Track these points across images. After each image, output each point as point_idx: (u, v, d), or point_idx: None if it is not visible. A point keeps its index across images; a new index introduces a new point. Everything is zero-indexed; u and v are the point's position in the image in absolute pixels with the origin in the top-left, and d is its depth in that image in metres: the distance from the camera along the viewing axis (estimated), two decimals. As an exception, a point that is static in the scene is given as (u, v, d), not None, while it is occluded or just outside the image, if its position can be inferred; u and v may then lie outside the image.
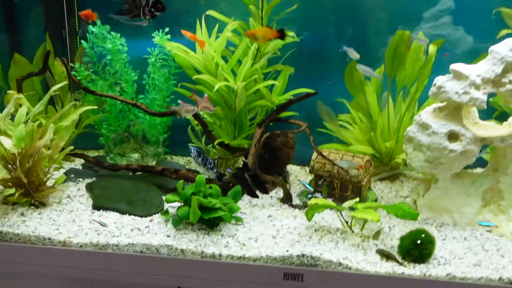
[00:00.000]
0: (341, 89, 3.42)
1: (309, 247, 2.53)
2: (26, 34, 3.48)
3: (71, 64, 3.22)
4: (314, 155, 3.11)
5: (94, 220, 2.67)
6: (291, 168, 3.65)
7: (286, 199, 3.05)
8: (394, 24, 3.40)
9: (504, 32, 3.22)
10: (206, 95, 2.92)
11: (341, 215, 2.74)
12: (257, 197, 2.61)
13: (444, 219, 2.83)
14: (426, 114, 2.78)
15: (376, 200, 3.10)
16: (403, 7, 3.48)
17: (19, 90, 2.93)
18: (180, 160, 3.75)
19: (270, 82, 3.02)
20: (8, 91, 2.78)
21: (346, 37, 3.51)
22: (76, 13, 3.32)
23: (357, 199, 2.75)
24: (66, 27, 3.34)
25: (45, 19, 3.43)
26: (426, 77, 3.15)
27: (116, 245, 2.54)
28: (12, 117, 2.80)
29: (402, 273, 2.37)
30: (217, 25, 3.26)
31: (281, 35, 2.67)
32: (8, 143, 2.52)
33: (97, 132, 3.57)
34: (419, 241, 2.41)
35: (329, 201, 2.74)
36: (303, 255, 2.47)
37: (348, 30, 3.53)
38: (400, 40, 3.04)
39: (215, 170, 2.95)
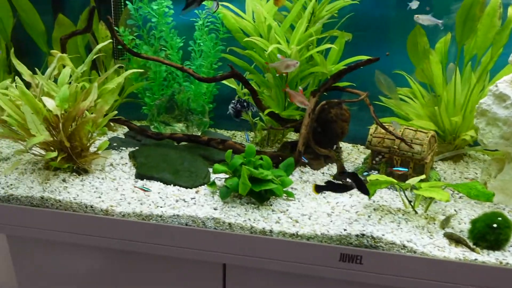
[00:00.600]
0: (400, 61, 3.13)
1: (368, 227, 2.30)
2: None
3: (115, 28, 3.06)
4: (372, 129, 2.86)
5: (136, 187, 2.53)
6: (342, 145, 3.40)
7: (340, 176, 2.81)
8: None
9: None
10: (300, 88, 2.69)
11: (404, 194, 2.48)
12: (368, 194, 2.37)
13: (519, 204, 2.53)
14: (503, 84, 2.48)
15: (439, 180, 2.82)
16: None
17: (63, 51, 2.80)
18: (225, 133, 3.57)
19: (326, 46, 2.76)
20: (52, 51, 2.65)
21: (407, 2, 3.20)
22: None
23: (423, 176, 2.49)
24: (111, -11, 3.18)
25: (89, -19, 3.29)
26: (501, 46, 2.82)
27: (160, 216, 2.38)
28: (56, 80, 2.68)
29: (475, 259, 2.11)
30: (269, -13, 3.02)
31: None
32: (51, 103, 2.39)
33: (140, 101, 3.43)
34: (495, 225, 2.13)
35: (391, 178, 2.48)
36: (363, 235, 2.25)
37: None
38: (475, 1, 2.72)
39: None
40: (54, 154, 2.47)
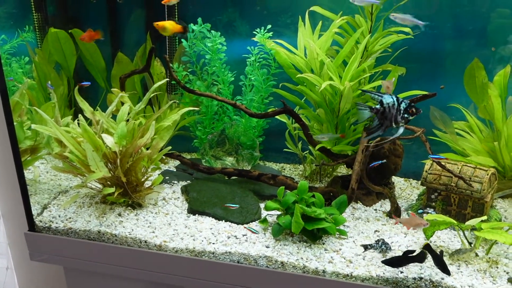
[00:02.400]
0: (455, 94, 3.05)
1: (427, 270, 2.21)
2: (127, 35, 3.50)
3: (170, 65, 3.16)
4: (427, 165, 2.78)
5: (245, 227, 2.55)
6: (394, 180, 3.32)
7: (395, 213, 2.74)
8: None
9: None
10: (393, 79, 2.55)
11: (464, 235, 2.38)
12: (449, 274, 2.16)
13: None
14: None
15: (500, 220, 2.69)
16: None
17: (122, 89, 2.92)
18: (274, 166, 3.57)
19: (379, 82, 2.73)
20: (112, 89, 2.77)
21: (464, 35, 3.13)
22: (176, 14, 3.27)
23: (484, 217, 2.38)
24: (166, 28, 3.29)
25: (145, 20, 3.43)
26: None
27: (213, 253, 2.39)
28: (113, 117, 2.78)
29: (544, 308, 1.98)
30: (320, 22, 3.04)
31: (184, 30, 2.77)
32: (110, 140, 2.48)
33: (191, 134, 3.50)
34: None
35: (450, 218, 2.39)
36: (421, 278, 2.16)
37: (466, 27, 3.15)
38: (538, 35, 2.62)
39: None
40: (112, 190, 2.55)
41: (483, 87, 2.87)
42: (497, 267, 2.25)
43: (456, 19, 3.10)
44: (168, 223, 2.64)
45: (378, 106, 2.25)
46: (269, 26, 3.06)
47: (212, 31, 3.13)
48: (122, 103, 2.75)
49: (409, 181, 3.36)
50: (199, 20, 3.12)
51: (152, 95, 2.72)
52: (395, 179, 3.34)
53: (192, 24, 3.12)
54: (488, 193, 2.61)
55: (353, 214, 2.80)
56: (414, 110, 2.24)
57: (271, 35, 3.07)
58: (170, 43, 3.33)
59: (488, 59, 3.04)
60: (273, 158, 3.64)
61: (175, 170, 3.33)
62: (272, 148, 3.56)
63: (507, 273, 2.22)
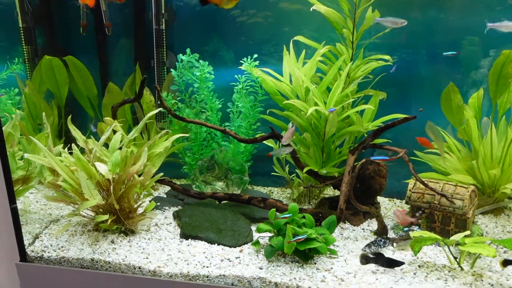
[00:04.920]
0: (433, 116, 3.20)
1: (416, 285, 2.30)
2: (116, 64, 3.59)
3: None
4: (411, 184, 2.89)
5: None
6: (379, 200, 3.43)
7: (382, 232, 2.83)
8: (488, 47, 3.19)
9: None
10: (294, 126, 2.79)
11: (449, 250, 2.48)
12: (401, 264, 2.42)
13: None
14: (542, 139, 2.51)
15: (481, 235, 2.81)
16: (494, 30, 3.27)
17: (114, 118, 2.98)
18: (262, 190, 3.65)
19: (364, 106, 2.87)
20: (105, 118, 2.83)
21: (439, 61, 3.32)
22: (164, 44, 3.38)
23: (467, 232, 2.49)
24: (155, 58, 3.39)
25: (134, 50, 3.53)
26: (534, 100, 2.88)
27: (207, 276, 2.43)
28: (105, 145, 2.83)
29: (529, 318, 2.08)
30: (303, 51, 3.18)
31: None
32: (103, 168, 2.53)
33: (181, 161, 3.56)
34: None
35: (435, 235, 2.50)
36: (409, 295, 2.24)
37: (440, 53, 3.34)
38: (507, 60, 2.81)
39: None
40: (105, 217, 2.58)
41: (459, 109, 3.03)
42: (482, 280, 2.35)
43: (431, 47, 3.29)
44: (162, 248, 2.67)
45: None
46: (255, 56, 3.20)
47: (200, 60, 3.24)
48: (114, 132, 2.81)
49: (393, 200, 3.48)
50: (188, 50, 3.23)
51: (145, 122, 2.79)
52: (380, 199, 3.46)
53: (180, 55, 3.23)
54: (470, 209, 2.73)
55: (342, 234, 2.88)
56: None
57: (257, 64, 3.20)
58: (159, 73, 3.43)
59: (462, 83, 3.22)
60: (261, 182, 3.73)
61: (165, 196, 3.37)
62: (260, 172, 3.65)
63: (492, 285, 2.31)
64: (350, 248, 2.69)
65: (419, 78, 3.33)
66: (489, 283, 2.33)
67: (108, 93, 3.31)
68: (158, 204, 3.16)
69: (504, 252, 2.64)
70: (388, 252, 2.62)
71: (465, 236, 2.46)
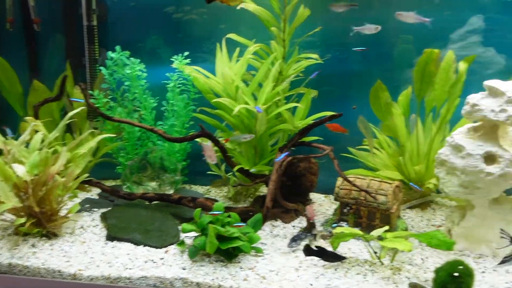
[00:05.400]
0: (366, 113, 3.26)
1: (334, 281, 2.33)
2: (47, 62, 3.49)
3: (90, 92, 3.18)
4: (339, 181, 2.93)
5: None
6: (314, 196, 3.46)
7: (309, 229, 2.85)
8: (419, 46, 3.27)
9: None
10: (209, 143, 2.81)
11: (370, 245, 2.52)
12: (343, 258, 2.49)
13: (483, 250, 2.58)
14: (459, 135, 2.59)
15: (406, 229, 2.87)
16: (427, 29, 3.34)
17: (36, 117, 2.89)
18: (200, 189, 3.62)
19: (292, 104, 2.89)
20: (26, 118, 2.74)
21: (371, 59, 3.37)
22: (96, 41, 3.30)
23: (386, 227, 2.54)
24: (86, 55, 3.31)
25: (65, 47, 3.43)
26: (456, 97, 2.96)
27: (128, 278, 2.39)
28: (29, 145, 2.75)
29: (440, 310, 2.13)
30: (237, 49, 3.17)
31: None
32: (21, 170, 2.45)
33: (115, 161, 3.49)
34: (456, 274, 2.17)
35: (356, 230, 2.54)
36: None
37: (372, 52, 3.40)
38: (429, 59, 2.88)
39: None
40: (22, 220, 2.51)
41: (387, 106, 3.09)
42: (400, 273, 2.40)
43: (364, 45, 3.33)
44: (85, 251, 2.61)
45: None
46: (186, 53, 3.16)
47: (131, 58, 3.18)
48: (38, 132, 2.73)
49: (329, 197, 3.52)
50: (117, 47, 3.16)
51: (68, 121, 2.71)
52: (315, 195, 3.48)
53: (110, 52, 3.16)
54: (393, 204, 2.79)
55: (272, 232, 2.89)
56: None
57: (189, 62, 3.17)
58: (91, 71, 3.35)
59: (394, 81, 3.28)
60: (200, 181, 3.70)
61: (97, 198, 3.30)
62: (197, 171, 3.62)
63: (409, 278, 2.37)
64: (278, 245, 2.70)
65: (353, 76, 3.38)
66: (406, 277, 2.38)
67: (33, 91, 3.21)
68: (87, 206, 3.09)
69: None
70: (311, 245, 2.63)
71: (386, 231, 2.51)
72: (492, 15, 3.21)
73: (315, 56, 3.03)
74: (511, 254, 2.38)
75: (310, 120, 3.12)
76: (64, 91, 2.85)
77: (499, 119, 2.39)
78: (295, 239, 2.65)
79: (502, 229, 2.40)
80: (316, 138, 3.16)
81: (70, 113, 2.71)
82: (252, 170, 2.93)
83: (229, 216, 2.62)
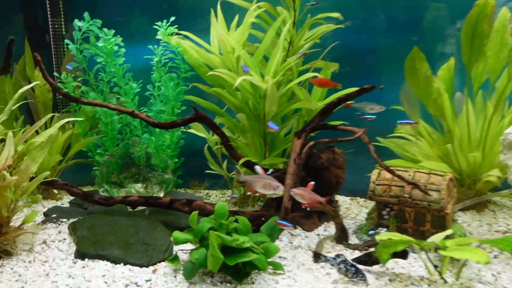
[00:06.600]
0: (396, 95, 2.63)
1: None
2: (1, 41, 2.84)
3: (55, 74, 2.54)
4: (374, 175, 2.29)
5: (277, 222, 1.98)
6: (338, 199, 2.81)
7: (341, 237, 2.20)
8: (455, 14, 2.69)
9: None
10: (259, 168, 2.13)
11: (427, 257, 1.87)
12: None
13: None
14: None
15: (465, 236, 2.23)
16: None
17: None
18: (197, 194, 2.98)
19: (310, 74, 2.25)
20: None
21: (400, 27, 2.77)
22: (62, 13, 2.68)
23: (449, 231, 1.90)
24: (50, 31, 2.68)
25: (24, 23, 2.79)
26: (516, 66, 2.35)
27: (102, 310, 1.73)
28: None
29: None
30: (236, 16, 2.56)
31: None
32: (-48, 166, 1.80)
33: (92, 161, 2.83)
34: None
35: (407, 237, 1.89)
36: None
37: (401, 18, 2.80)
38: (482, 14, 2.27)
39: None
40: (-43, 233, 1.85)
41: (427, 81, 2.48)
42: (472, 295, 1.76)
43: (390, 11, 2.75)
44: (46, 273, 1.97)
45: None
46: (172, 18, 2.53)
47: (104, 29, 2.55)
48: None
49: (355, 199, 2.88)
50: (86, 15, 2.53)
51: (15, 106, 2.05)
52: (339, 197, 2.84)
53: (77, 21, 2.52)
54: (448, 203, 2.15)
55: (291, 243, 2.24)
56: None
57: (176, 30, 2.54)
58: (57, 49, 2.72)
59: (428, 53, 2.67)
60: (197, 184, 3.05)
61: (68, 206, 2.64)
62: (194, 171, 2.97)
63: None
64: (301, 260, 2.06)
65: (379, 49, 2.78)
66: (481, 299, 1.74)
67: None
68: (54, 216, 2.45)
69: (495, 256, 2.07)
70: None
71: (446, 237, 1.87)
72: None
73: (335, 14, 2.42)
74: None
75: (331, 99, 2.47)
76: (10, 62, 2.19)
77: None
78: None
79: None
80: (341, 122, 2.52)
81: (20, 90, 2.07)
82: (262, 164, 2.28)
83: (236, 221, 1.96)
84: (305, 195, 1.93)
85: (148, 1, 2.89)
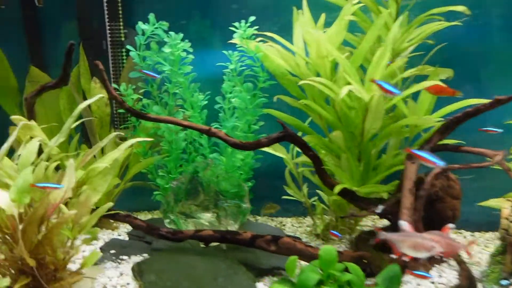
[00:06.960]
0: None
1: None
2: (55, 51, 2.54)
3: (114, 86, 2.20)
4: (506, 209, 1.83)
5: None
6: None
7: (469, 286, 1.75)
8: None
9: None
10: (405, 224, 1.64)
11: None
12: None
13: None
14: None
15: None
16: None
17: (31, 116, 1.93)
18: (269, 222, 2.57)
19: (430, 83, 1.80)
20: (13, 117, 1.76)
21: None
22: (120, 18, 2.35)
23: None
24: (107, 37, 2.36)
25: (78, 29, 2.47)
26: None
27: None
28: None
29: None
30: (322, 15, 2.16)
31: None
32: (3, 198, 1.47)
33: (151, 184, 2.47)
34: None
35: None
36: None
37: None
38: None
39: None
40: (7, 281, 1.50)
41: None
42: None
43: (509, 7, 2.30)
44: (109, 331, 1.58)
45: None
46: (252, 18, 2.15)
47: (171, 32, 2.19)
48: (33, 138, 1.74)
49: (460, 232, 2.41)
50: (151, 16, 2.18)
51: (74, 125, 1.71)
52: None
53: (140, 23, 2.18)
54: None
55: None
56: None
57: (256, 32, 2.16)
58: (115, 57, 2.39)
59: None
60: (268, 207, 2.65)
61: (127, 238, 2.28)
62: (265, 196, 2.56)
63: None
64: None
65: (493, 50, 2.32)
66: None
67: (30, 84, 2.25)
68: (112, 252, 2.08)
69: None
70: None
71: None
72: None
73: (461, 8, 1.98)
74: None
75: (442, 114, 2.03)
76: (68, 72, 1.86)
77: None
78: None
79: None
80: (457, 141, 2.07)
81: (81, 105, 1.73)
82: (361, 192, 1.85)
83: (346, 270, 1.54)
84: (441, 241, 1.49)
85: (214, 2, 2.54)
